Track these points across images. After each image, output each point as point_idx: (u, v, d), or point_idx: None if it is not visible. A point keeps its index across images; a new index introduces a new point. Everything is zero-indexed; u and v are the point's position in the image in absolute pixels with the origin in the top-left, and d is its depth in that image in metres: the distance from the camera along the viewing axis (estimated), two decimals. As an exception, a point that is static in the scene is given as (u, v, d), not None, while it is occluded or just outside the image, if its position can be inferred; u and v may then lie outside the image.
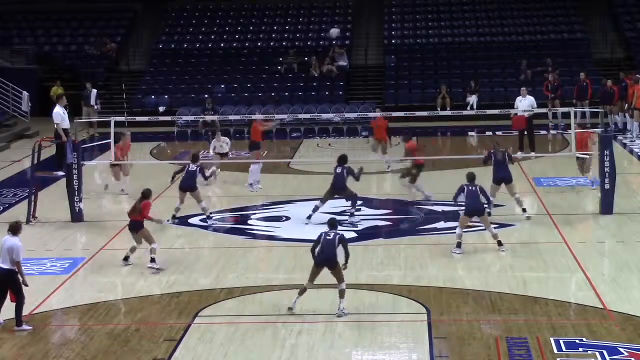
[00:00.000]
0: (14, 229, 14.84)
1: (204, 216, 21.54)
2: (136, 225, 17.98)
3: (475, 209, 18.51)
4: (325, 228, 15.44)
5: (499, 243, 18.56)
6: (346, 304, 15.11)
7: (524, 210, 20.92)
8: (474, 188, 18.54)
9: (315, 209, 21.06)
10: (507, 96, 36.31)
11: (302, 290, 15.14)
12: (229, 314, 15.53)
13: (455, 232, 18.76)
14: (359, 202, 22.70)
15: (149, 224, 18.34)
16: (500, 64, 40.81)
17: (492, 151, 21.27)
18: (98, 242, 20.04)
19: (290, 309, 15.04)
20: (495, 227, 20.29)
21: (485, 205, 18.83)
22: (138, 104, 39.24)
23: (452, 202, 19.29)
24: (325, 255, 14.94)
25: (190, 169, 21.52)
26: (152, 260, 17.79)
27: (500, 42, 42.32)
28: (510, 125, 30.21)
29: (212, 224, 21.33)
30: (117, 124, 23.87)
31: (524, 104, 28.87)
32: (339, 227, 18.49)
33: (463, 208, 18.82)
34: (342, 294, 15.00)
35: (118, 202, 23.93)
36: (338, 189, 21.11)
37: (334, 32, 35.96)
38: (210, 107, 35.37)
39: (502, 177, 20.91)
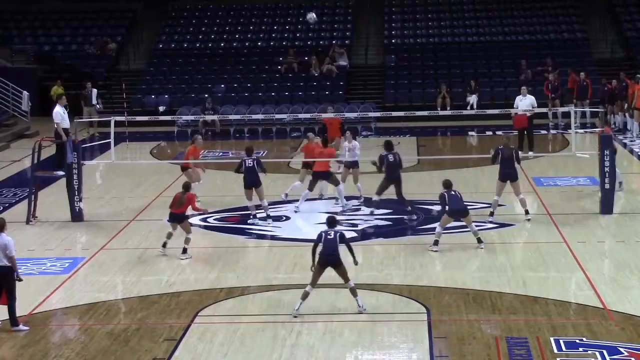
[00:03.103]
0: (0, 226, 14.81)
1: (264, 214, 21.31)
2: (181, 217, 18.51)
3: (460, 209, 18.62)
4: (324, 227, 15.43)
5: (479, 240, 18.70)
6: (350, 302, 15.17)
7: (526, 212, 20.85)
8: (454, 192, 18.66)
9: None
10: (507, 96, 36.33)
11: (305, 294, 15.07)
12: (229, 314, 15.53)
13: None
14: (358, 202, 22.78)
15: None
16: (500, 64, 40.82)
17: (500, 148, 21.07)
18: (98, 242, 20.04)
19: (295, 316, 14.94)
20: (495, 227, 20.35)
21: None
22: (138, 104, 39.21)
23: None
24: (329, 255, 14.90)
25: (248, 164, 21.13)
26: (184, 250, 18.45)
27: (500, 42, 42.30)
28: (511, 125, 30.19)
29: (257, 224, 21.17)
30: (117, 123, 23.88)
31: (525, 103, 28.84)
32: (339, 227, 18.38)
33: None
34: (354, 292, 15.03)
35: (118, 202, 23.94)
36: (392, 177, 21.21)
37: (311, 17, 34.54)
38: (210, 107, 35.42)
39: (508, 174, 20.73)
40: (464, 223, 18.84)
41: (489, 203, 21.32)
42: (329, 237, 14.95)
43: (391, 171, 21.17)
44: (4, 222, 14.81)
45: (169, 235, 18.64)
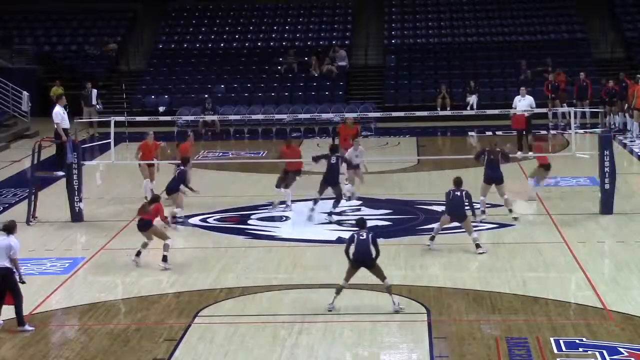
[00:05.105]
0: (10, 228, 14.83)
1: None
2: (145, 224, 18.13)
3: (457, 214, 18.51)
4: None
5: (477, 245, 18.49)
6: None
7: (510, 211, 20.87)
8: (459, 193, 18.53)
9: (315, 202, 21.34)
10: (507, 96, 36.30)
11: (340, 289, 15.13)
12: (229, 314, 15.53)
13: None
14: (358, 202, 22.82)
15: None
16: (500, 64, 40.82)
17: (487, 149, 21.13)
18: (98, 242, 20.04)
19: (330, 310, 15.01)
20: (494, 227, 20.34)
21: (468, 209, 18.64)
22: (138, 104, 39.20)
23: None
24: (362, 255, 14.93)
25: (176, 172, 21.52)
26: (164, 258, 17.85)
27: (500, 42, 42.31)
28: (509, 125, 30.18)
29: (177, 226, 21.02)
30: (117, 124, 23.87)
31: (523, 103, 28.80)
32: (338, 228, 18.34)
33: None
34: (389, 290, 15.07)
35: (118, 202, 23.93)
36: (331, 180, 21.35)
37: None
38: (210, 107, 35.42)
39: (493, 177, 20.81)
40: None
41: (489, 204, 21.30)
42: (361, 237, 14.97)
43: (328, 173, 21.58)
44: (14, 225, 14.88)
45: (144, 245, 18.21)
